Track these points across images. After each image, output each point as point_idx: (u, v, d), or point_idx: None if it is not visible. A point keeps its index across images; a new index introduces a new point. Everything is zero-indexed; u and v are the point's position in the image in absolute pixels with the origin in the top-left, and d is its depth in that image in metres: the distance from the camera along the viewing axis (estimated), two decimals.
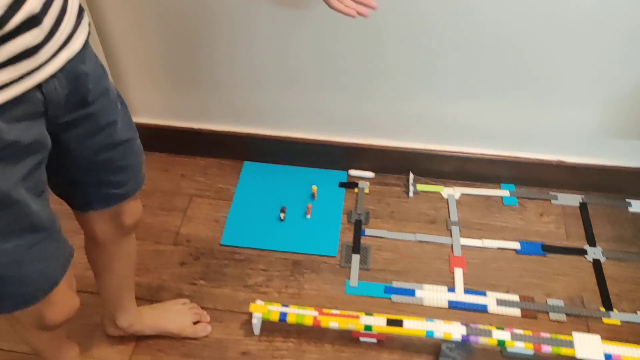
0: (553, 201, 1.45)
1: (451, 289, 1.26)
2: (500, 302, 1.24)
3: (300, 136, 1.48)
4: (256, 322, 1.16)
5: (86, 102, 0.73)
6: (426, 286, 1.27)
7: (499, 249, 1.35)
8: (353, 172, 1.51)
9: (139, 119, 1.49)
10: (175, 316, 1.18)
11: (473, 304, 1.23)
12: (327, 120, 1.43)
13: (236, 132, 1.49)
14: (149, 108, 1.48)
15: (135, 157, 0.86)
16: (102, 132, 0.77)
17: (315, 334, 1.19)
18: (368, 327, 1.12)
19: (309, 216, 1.39)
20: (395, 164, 1.50)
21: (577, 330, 1.20)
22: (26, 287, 0.73)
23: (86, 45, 0.71)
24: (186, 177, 1.51)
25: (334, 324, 1.13)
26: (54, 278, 0.76)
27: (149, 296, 1.25)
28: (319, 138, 1.47)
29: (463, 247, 1.35)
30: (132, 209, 0.95)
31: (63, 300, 0.81)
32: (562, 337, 1.10)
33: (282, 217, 1.38)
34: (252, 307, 1.16)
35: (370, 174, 1.51)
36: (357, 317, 1.14)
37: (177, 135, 1.52)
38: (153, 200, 1.44)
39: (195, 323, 1.19)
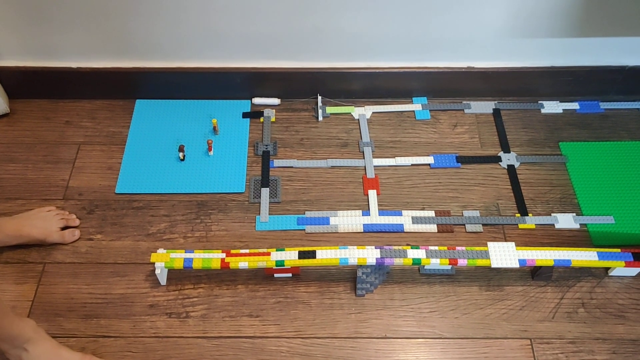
0: (466, 110, 1.40)
1: (366, 212, 1.21)
2: (415, 220, 1.20)
3: (194, 66, 1.35)
4: (160, 272, 1.07)
5: None
6: (340, 212, 1.21)
7: (413, 165, 1.29)
8: (257, 100, 1.40)
9: (5, 62, 1.31)
10: (39, 222, 1.13)
11: (389, 225, 1.19)
12: (222, 45, 1.30)
13: (123, 68, 1.34)
14: (15, 49, 1.30)
15: None
16: None
17: (227, 276, 1.12)
18: (280, 263, 1.06)
19: (211, 152, 1.29)
20: (301, 87, 1.40)
21: (494, 239, 1.18)
22: None
23: None
24: (72, 124, 1.36)
25: (243, 264, 1.06)
26: None
27: (40, 259, 1.13)
28: (216, 66, 1.35)
29: (376, 167, 1.29)
30: None
31: None
32: (477, 248, 1.07)
33: (181, 157, 1.27)
34: (153, 257, 1.07)
35: (275, 101, 1.40)
36: (268, 253, 1.07)
37: (56, 78, 1.35)
38: (35, 153, 1.30)
39: (63, 229, 1.15)
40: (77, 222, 1.18)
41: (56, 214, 1.16)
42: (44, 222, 1.14)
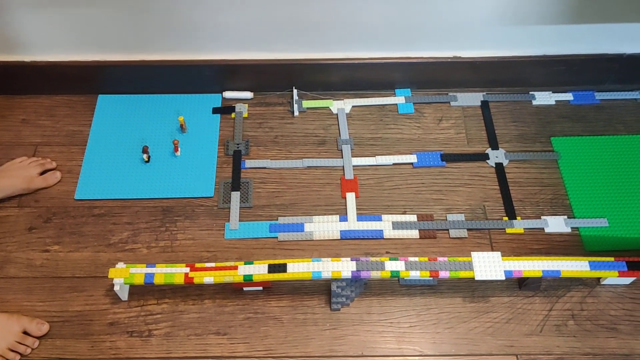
0: (452, 103, 1.31)
1: (343, 217, 1.13)
2: (396, 226, 1.12)
3: (160, 58, 1.25)
4: (119, 288, 1.00)
5: None
6: (316, 218, 1.13)
7: (395, 164, 1.21)
8: (228, 94, 1.31)
9: None
10: (17, 171, 1.13)
11: (367, 231, 1.11)
12: (189, 35, 1.20)
13: (82, 62, 1.24)
14: None
15: None
16: None
17: (193, 290, 1.05)
18: (248, 278, 0.98)
19: (178, 153, 1.20)
20: (276, 80, 1.30)
21: (480, 245, 1.11)
22: None
23: None
24: (28, 122, 1.26)
25: (208, 279, 0.99)
26: None
27: None
28: (183, 58, 1.25)
29: (355, 167, 1.20)
30: None
31: None
32: (460, 259, 1.00)
33: (146, 159, 1.18)
34: (112, 273, 1.00)
35: (248, 95, 1.31)
36: (235, 267, 1.00)
37: (10, 72, 1.25)
38: None
39: (41, 174, 1.15)
40: (54, 164, 1.17)
41: (31, 161, 1.16)
42: (22, 171, 1.13)
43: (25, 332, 0.98)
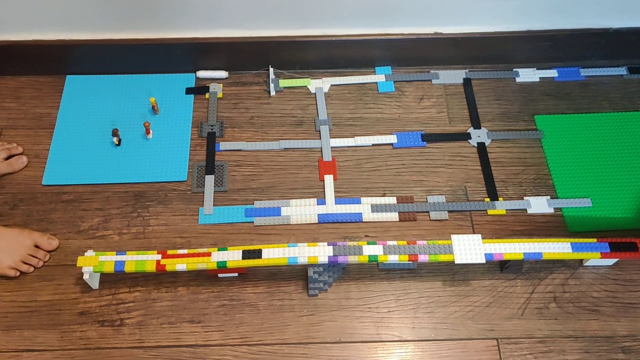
0: (434, 81, 1.27)
1: (321, 200, 1.10)
2: (375, 208, 1.09)
3: (130, 37, 1.19)
4: (88, 277, 0.96)
5: None
6: (293, 202, 1.10)
7: (374, 145, 1.18)
8: (202, 74, 1.26)
9: None
10: None
11: (346, 214, 1.08)
12: (159, 12, 1.15)
13: (48, 41, 1.19)
14: None
15: None
16: None
17: (166, 277, 1.02)
18: (222, 264, 0.95)
19: (149, 136, 1.16)
20: (251, 58, 1.26)
21: (461, 227, 1.08)
22: None
23: None
24: None
25: (181, 266, 0.96)
26: None
27: None
28: (154, 37, 1.20)
29: (334, 149, 1.17)
30: None
31: None
32: (439, 242, 0.97)
33: (116, 142, 1.14)
34: (80, 261, 0.96)
35: (223, 74, 1.26)
36: (209, 254, 0.96)
37: None
38: None
39: (7, 159, 1.11)
40: (20, 149, 1.13)
41: None
42: None
43: (36, 246, 1.02)
